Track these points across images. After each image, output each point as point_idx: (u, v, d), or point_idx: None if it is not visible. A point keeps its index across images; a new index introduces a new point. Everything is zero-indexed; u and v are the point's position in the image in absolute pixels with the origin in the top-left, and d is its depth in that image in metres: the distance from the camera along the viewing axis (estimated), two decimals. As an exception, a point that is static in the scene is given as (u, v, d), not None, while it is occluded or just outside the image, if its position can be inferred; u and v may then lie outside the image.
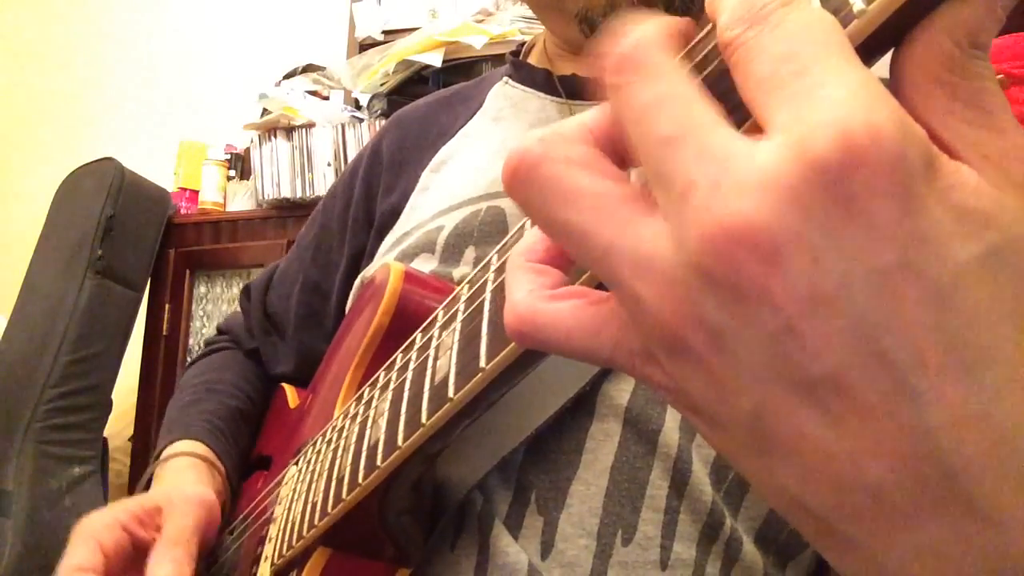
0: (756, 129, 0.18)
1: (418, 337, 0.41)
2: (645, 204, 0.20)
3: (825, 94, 0.17)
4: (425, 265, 0.60)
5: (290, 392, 0.76)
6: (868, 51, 0.19)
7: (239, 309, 0.88)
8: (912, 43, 0.20)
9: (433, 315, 0.40)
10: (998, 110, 0.20)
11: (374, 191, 0.74)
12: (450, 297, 0.38)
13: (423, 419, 0.35)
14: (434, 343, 0.37)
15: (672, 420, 0.49)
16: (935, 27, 0.19)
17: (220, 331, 0.90)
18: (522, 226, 0.31)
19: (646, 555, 0.47)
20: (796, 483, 0.19)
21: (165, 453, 0.68)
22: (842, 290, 0.17)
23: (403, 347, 0.43)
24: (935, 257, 0.17)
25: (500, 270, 0.32)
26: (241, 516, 0.64)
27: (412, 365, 0.40)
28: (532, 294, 0.23)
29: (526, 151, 0.21)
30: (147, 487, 0.67)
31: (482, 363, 0.30)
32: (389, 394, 0.41)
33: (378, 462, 0.39)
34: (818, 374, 0.17)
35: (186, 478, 0.65)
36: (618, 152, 0.22)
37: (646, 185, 0.20)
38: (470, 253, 0.59)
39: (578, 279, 0.25)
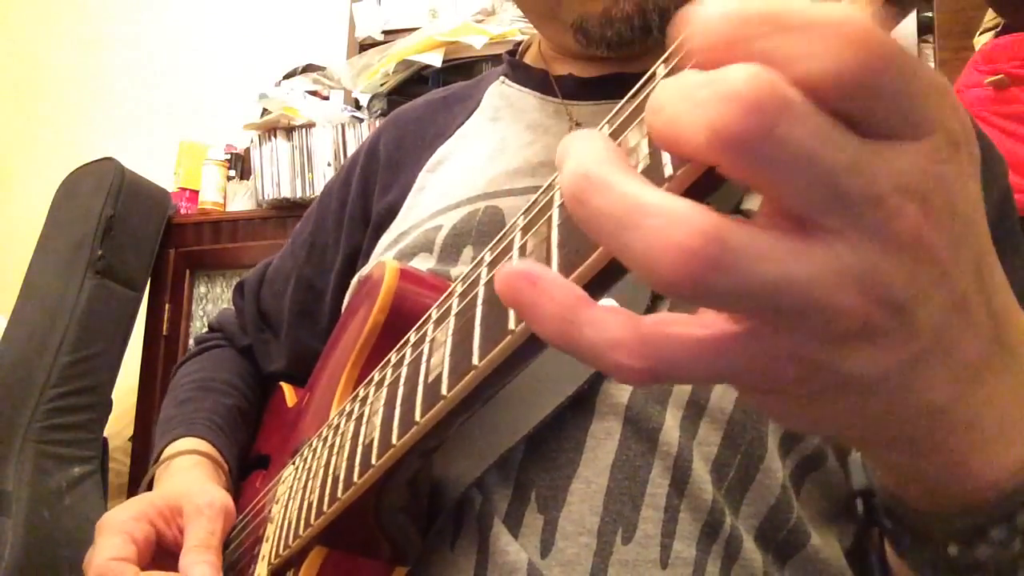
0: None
1: (412, 334, 0.41)
2: (796, 235, 0.22)
3: (940, 99, 0.21)
4: (423, 264, 0.60)
5: (288, 391, 0.76)
6: None
7: (231, 306, 0.88)
8: None
9: (427, 312, 0.39)
10: None
11: (371, 190, 0.74)
12: (444, 294, 0.38)
13: (417, 417, 0.35)
14: (427, 340, 0.37)
15: (672, 419, 0.49)
16: None
17: (212, 328, 0.90)
18: (515, 224, 0.31)
19: (646, 553, 0.47)
20: (941, 381, 0.24)
21: (168, 452, 0.68)
22: (966, 227, 0.22)
23: (398, 345, 0.43)
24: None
25: (493, 265, 0.32)
26: (240, 515, 0.64)
27: (406, 363, 0.39)
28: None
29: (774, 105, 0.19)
30: (149, 490, 0.67)
31: (475, 360, 0.29)
32: (384, 392, 0.41)
33: (373, 461, 0.39)
34: (960, 293, 0.23)
35: (195, 477, 0.64)
36: None
37: None
38: (468, 253, 0.59)
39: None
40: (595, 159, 0.21)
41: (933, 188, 0.21)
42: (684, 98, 0.19)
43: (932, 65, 1.64)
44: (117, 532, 0.54)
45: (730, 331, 0.22)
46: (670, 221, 0.19)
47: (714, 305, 0.21)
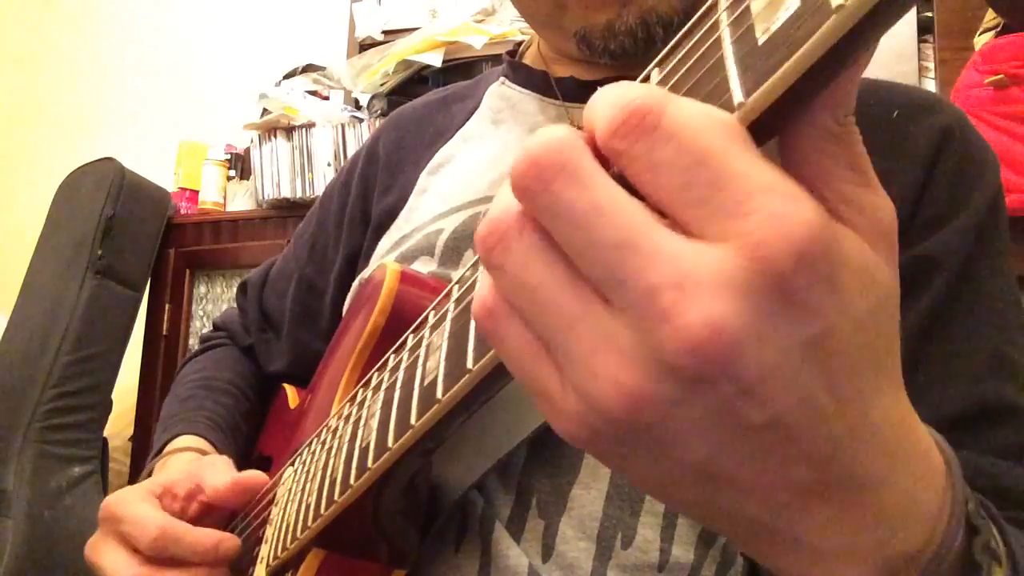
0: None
1: (409, 337, 0.41)
2: (594, 298, 0.22)
3: (759, 206, 0.19)
4: (424, 268, 0.60)
5: (290, 392, 0.76)
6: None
7: (234, 305, 0.88)
8: (799, 126, 0.22)
9: (424, 315, 0.40)
10: (868, 168, 0.23)
11: (370, 191, 0.74)
12: (440, 297, 0.38)
13: (412, 420, 0.35)
14: (424, 343, 0.37)
15: None
16: (816, 111, 0.22)
17: (216, 327, 0.90)
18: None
19: (645, 558, 0.47)
20: (739, 499, 0.24)
21: (168, 448, 0.68)
22: (784, 360, 0.21)
23: (395, 347, 0.43)
24: (847, 318, 0.21)
25: None
26: (240, 516, 0.64)
27: (403, 366, 0.39)
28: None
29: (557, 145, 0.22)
30: None
31: (469, 364, 0.29)
32: (381, 395, 0.41)
33: (369, 463, 0.39)
34: (763, 421, 0.21)
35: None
36: None
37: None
38: (469, 256, 0.59)
39: None
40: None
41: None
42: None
43: (932, 65, 1.64)
44: (143, 501, 0.55)
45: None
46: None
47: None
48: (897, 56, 1.63)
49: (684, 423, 0.22)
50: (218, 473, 0.57)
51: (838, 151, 0.23)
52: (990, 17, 1.48)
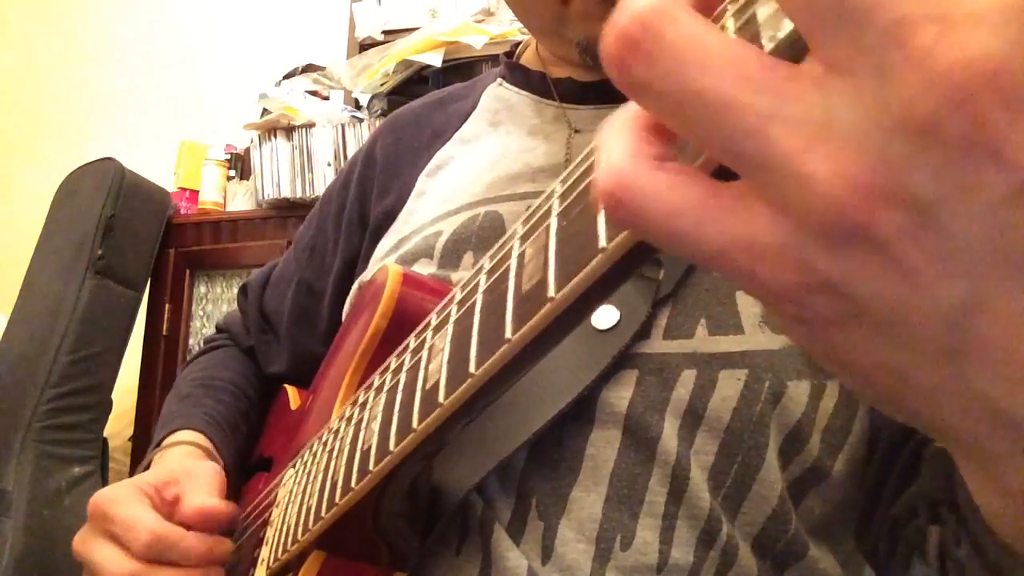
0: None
1: (412, 340, 0.41)
2: (795, 70, 0.16)
3: None
4: (424, 270, 0.60)
5: (292, 393, 0.76)
6: None
7: (236, 307, 0.88)
8: None
9: (427, 318, 0.40)
10: None
11: (368, 194, 0.74)
12: (444, 300, 0.38)
13: (414, 424, 0.35)
14: (426, 347, 0.37)
15: (670, 428, 0.49)
16: None
17: (219, 329, 0.90)
18: (514, 232, 0.31)
19: (644, 560, 0.47)
20: (1001, 387, 0.16)
21: (166, 442, 0.69)
22: None
23: (398, 350, 0.43)
24: None
25: (492, 273, 0.32)
26: (241, 517, 0.64)
27: (405, 368, 0.39)
28: (635, 158, 0.18)
29: (648, 14, 0.17)
30: None
31: (472, 368, 0.29)
32: (383, 398, 0.41)
33: (370, 467, 0.39)
34: None
35: (189, 461, 0.65)
36: None
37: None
38: (468, 258, 0.59)
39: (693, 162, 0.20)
40: None
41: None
42: None
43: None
44: (136, 502, 0.54)
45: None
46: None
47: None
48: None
49: (936, 237, 0.15)
50: (192, 493, 0.57)
51: None
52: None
